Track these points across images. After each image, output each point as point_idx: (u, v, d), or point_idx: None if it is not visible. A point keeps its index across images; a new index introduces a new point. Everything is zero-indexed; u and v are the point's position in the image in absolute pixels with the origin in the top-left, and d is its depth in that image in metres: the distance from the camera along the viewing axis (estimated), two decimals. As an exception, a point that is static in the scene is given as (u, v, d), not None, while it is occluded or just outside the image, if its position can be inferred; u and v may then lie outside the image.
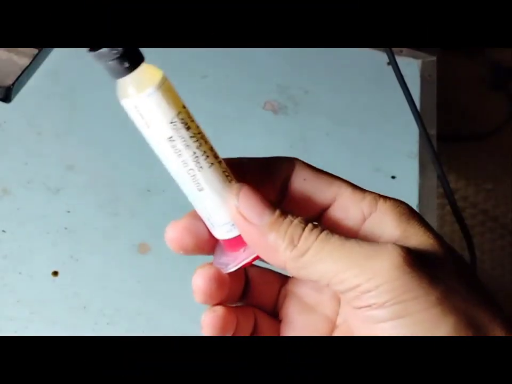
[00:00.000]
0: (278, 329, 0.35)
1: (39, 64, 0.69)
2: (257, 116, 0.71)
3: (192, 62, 0.72)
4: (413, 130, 0.69)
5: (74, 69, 0.71)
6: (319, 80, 0.75)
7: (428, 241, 0.31)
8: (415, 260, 0.29)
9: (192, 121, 0.30)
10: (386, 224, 0.31)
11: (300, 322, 0.35)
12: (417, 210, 0.65)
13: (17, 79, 0.66)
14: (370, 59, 0.77)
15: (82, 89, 0.69)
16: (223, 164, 0.31)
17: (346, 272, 0.29)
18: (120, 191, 0.62)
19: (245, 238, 0.31)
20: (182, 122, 0.30)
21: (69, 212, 0.60)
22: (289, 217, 0.30)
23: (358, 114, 0.73)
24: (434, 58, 0.78)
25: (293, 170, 0.33)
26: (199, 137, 0.30)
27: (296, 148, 0.68)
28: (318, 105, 0.73)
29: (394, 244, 0.30)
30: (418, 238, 0.31)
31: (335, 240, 0.30)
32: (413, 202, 0.66)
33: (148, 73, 0.29)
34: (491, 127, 1.43)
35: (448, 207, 0.95)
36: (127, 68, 0.29)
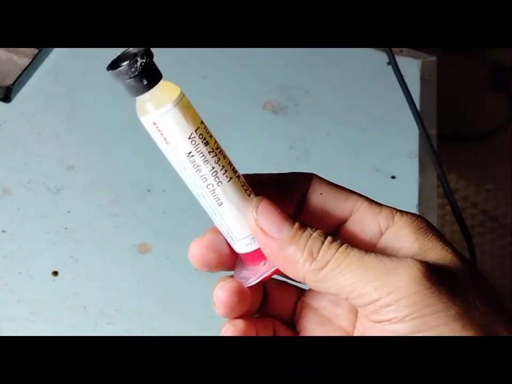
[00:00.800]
0: None
1: (39, 64, 0.69)
2: (257, 116, 0.71)
3: (192, 62, 0.72)
4: (413, 130, 0.69)
5: (74, 69, 0.71)
6: (319, 80, 0.75)
7: (446, 256, 0.31)
8: (434, 274, 0.29)
9: (211, 136, 0.31)
10: (404, 238, 0.32)
11: (316, 335, 0.35)
12: (416, 210, 0.65)
13: (17, 79, 0.66)
14: (370, 59, 0.77)
15: (82, 89, 0.69)
16: (242, 178, 0.32)
17: (365, 286, 0.29)
18: (120, 191, 0.62)
19: (265, 251, 0.31)
20: (200, 138, 0.30)
21: (69, 212, 0.60)
22: (309, 230, 0.30)
23: (358, 114, 0.73)
24: (434, 58, 0.78)
25: (309, 185, 0.34)
26: (218, 152, 0.31)
27: (296, 148, 0.68)
28: (318, 105, 0.73)
29: (413, 258, 0.30)
30: (437, 252, 0.31)
31: (355, 254, 0.30)
32: (413, 202, 0.66)
33: (166, 90, 0.30)
34: (491, 127, 1.43)
35: (448, 207, 0.95)
36: (146, 85, 0.29)
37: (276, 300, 0.36)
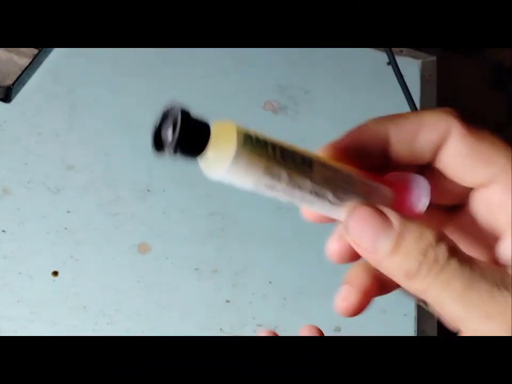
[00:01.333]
0: None
1: (39, 64, 0.69)
2: (257, 116, 0.71)
3: (192, 62, 0.72)
4: (413, 130, 0.68)
5: (75, 68, 0.71)
6: (319, 80, 0.75)
7: None
8: None
9: (279, 178, 0.27)
10: None
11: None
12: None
13: (17, 79, 0.66)
14: (370, 59, 0.77)
15: (82, 89, 0.69)
16: (331, 194, 0.28)
17: (462, 324, 0.26)
18: (120, 191, 0.62)
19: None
20: (266, 186, 0.28)
21: (69, 211, 0.60)
22: (406, 246, 0.26)
23: (358, 114, 0.73)
24: (434, 58, 0.78)
25: (447, 135, 0.28)
26: (292, 185, 0.28)
27: (296, 147, 0.68)
28: (318, 105, 0.73)
29: None
30: None
31: (452, 289, 0.26)
32: (413, 202, 0.66)
33: (221, 143, 0.27)
34: (491, 127, 1.43)
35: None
36: (191, 156, 0.27)
37: None
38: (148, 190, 0.63)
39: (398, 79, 0.62)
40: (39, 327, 0.53)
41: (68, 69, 0.70)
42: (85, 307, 0.55)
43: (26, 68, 0.67)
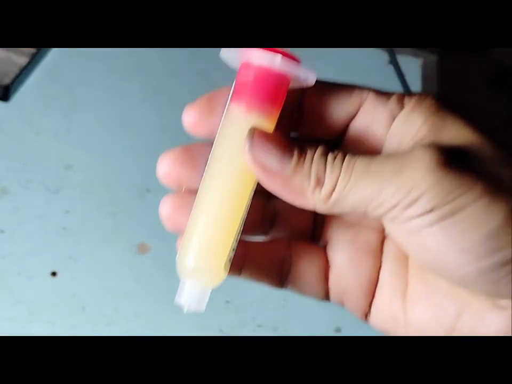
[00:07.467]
0: (320, 255, 0.33)
1: (38, 63, 0.69)
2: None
3: (192, 61, 0.72)
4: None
5: (73, 68, 0.70)
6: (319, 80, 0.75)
7: (460, 133, 0.28)
8: (449, 158, 0.27)
9: None
10: (415, 119, 0.29)
11: (347, 241, 0.32)
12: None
13: (15, 78, 0.66)
14: (371, 58, 0.77)
15: (81, 89, 0.69)
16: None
17: (381, 195, 0.27)
18: (119, 191, 0.62)
19: (270, 189, 0.29)
20: None
21: (67, 212, 0.60)
22: (309, 153, 0.28)
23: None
24: (435, 57, 0.78)
25: (305, 88, 0.31)
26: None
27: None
28: (318, 104, 0.73)
29: (423, 146, 0.28)
30: (451, 130, 0.29)
31: (359, 164, 0.27)
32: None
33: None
34: (491, 126, 1.43)
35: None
36: None
37: (288, 218, 0.33)
38: (148, 190, 0.63)
39: (399, 78, 0.62)
40: (38, 328, 0.53)
41: (67, 68, 0.70)
42: (83, 308, 0.55)
43: (25, 67, 0.67)
